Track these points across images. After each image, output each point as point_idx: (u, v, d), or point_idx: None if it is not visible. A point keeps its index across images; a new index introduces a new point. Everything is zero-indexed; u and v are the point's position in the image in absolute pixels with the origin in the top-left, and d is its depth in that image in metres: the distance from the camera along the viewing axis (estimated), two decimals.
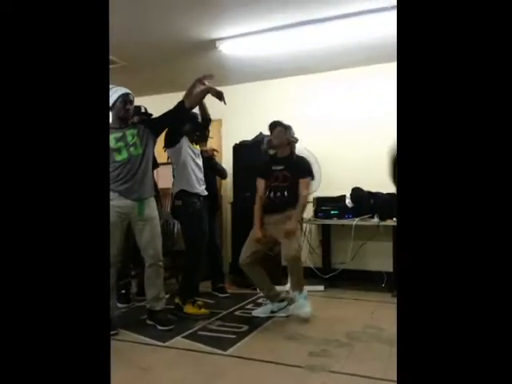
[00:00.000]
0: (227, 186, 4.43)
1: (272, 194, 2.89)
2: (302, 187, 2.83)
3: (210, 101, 4.42)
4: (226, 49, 3.51)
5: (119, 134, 2.50)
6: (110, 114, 2.53)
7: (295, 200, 2.84)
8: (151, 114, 3.24)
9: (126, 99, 2.53)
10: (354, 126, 4.07)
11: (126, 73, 3.90)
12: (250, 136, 4.02)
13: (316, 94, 4.27)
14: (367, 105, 4.07)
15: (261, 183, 2.96)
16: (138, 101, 3.02)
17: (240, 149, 4.02)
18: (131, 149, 2.48)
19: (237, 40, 3.38)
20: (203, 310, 2.85)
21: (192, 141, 3.02)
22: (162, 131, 2.73)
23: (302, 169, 2.89)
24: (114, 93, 2.51)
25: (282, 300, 2.89)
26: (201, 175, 3.00)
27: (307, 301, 2.78)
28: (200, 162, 3.04)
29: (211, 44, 3.44)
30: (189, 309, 2.82)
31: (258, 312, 2.88)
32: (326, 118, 4.19)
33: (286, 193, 2.85)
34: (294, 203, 2.83)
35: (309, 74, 4.24)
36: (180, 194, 2.88)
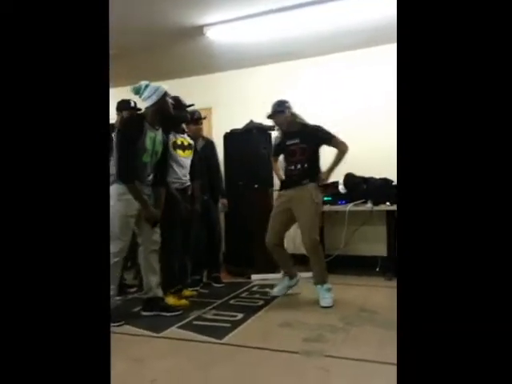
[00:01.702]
0: None
1: (292, 167, 2.89)
2: (337, 145, 2.83)
3: (199, 88, 4.40)
4: (214, 35, 3.44)
5: (152, 135, 2.53)
6: (150, 108, 2.53)
7: (314, 171, 2.87)
8: (139, 109, 3.17)
9: (168, 95, 2.59)
10: (347, 112, 4.03)
11: (112, 61, 3.81)
12: (240, 124, 3.97)
13: (307, 79, 4.22)
14: (360, 90, 4.04)
15: (275, 161, 3.07)
16: (125, 90, 2.96)
17: (231, 137, 3.98)
18: (154, 156, 2.57)
19: (225, 26, 3.31)
20: (183, 301, 2.80)
21: (178, 131, 2.97)
22: None
23: (321, 135, 2.86)
24: (159, 88, 2.53)
25: (295, 276, 3.04)
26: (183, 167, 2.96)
27: (330, 292, 2.78)
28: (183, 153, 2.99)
29: (198, 30, 3.37)
30: (169, 299, 2.76)
31: (276, 292, 3.01)
32: (318, 103, 4.14)
33: (305, 165, 2.85)
34: (312, 174, 2.85)
35: (300, 60, 4.18)
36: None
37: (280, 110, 2.88)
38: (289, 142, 2.90)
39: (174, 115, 2.86)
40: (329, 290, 2.80)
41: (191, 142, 3.06)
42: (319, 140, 2.86)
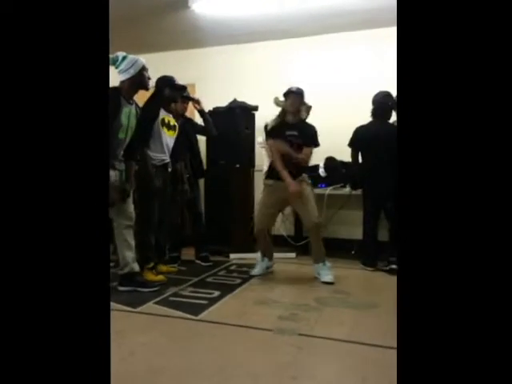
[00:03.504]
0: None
1: (285, 160, 2.88)
2: (304, 151, 2.88)
3: (183, 63, 4.30)
4: (200, 8, 3.36)
5: (127, 110, 2.46)
6: (127, 81, 2.47)
7: (307, 167, 3.00)
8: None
9: (146, 69, 2.53)
10: (329, 95, 4.03)
11: None
12: (224, 102, 3.93)
13: (291, 60, 4.18)
14: (342, 72, 4.04)
15: (275, 144, 2.90)
16: None
17: (214, 115, 3.91)
18: (129, 132, 2.51)
19: None
20: (160, 277, 2.82)
21: (167, 109, 2.97)
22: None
23: (311, 138, 2.93)
24: (138, 61, 2.47)
25: (272, 258, 3.20)
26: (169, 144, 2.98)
27: (330, 270, 2.92)
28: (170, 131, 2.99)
29: (183, 2, 3.27)
30: (147, 275, 2.78)
31: (256, 272, 3.08)
32: (300, 85, 4.12)
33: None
34: (304, 169, 2.97)
35: (285, 39, 4.13)
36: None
37: (300, 93, 2.89)
38: (288, 132, 2.88)
39: (167, 94, 2.88)
40: (329, 268, 2.94)
41: (176, 123, 3.05)
42: (308, 140, 2.91)
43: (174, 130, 3.03)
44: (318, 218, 2.90)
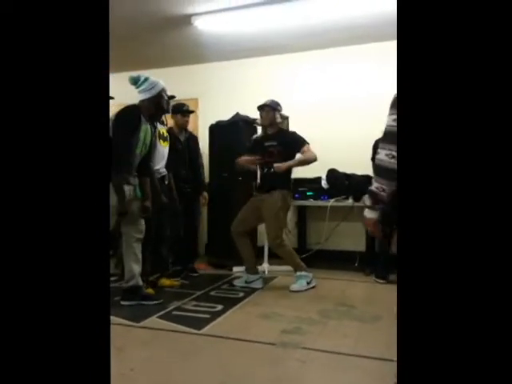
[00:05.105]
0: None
1: (265, 169, 3.07)
2: (306, 152, 2.97)
3: (186, 79, 4.36)
4: (202, 25, 3.42)
5: (145, 128, 2.56)
6: (146, 101, 2.57)
7: (285, 179, 3.05)
8: (112, 97, 3.14)
9: (165, 91, 2.64)
10: (330, 108, 4.07)
11: None
12: (226, 116, 3.97)
13: (293, 74, 4.24)
14: (344, 86, 4.08)
15: (242, 159, 3.15)
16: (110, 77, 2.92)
17: (216, 129, 3.97)
18: (143, 149, 2.61)
19: (214, 16, 3.29)
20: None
21: (161, 121, 3.01)
22: None
23: (296, 141, 3.04)
24: (158, 83, 2.59)
25: (257, 273, 3.19)
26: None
27: (302, 280, 3.02)
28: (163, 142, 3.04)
29: (186, 20, 3.34)
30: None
31: (237, 282, 3.19)
32: (302, 98, 4.18)
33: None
34: (282, 183, 3.03)
35: (286, 54, 4.20)
36: None
37: (273, 106, 3.06)
38: (267, 143, 3.06)
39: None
40: (300, 277, 3.03)
41: (167, 134, 3.12)
42: (296, 145, 3.02)
43: (167, 140, 3.09)
44: (278, 238, 3.01)
